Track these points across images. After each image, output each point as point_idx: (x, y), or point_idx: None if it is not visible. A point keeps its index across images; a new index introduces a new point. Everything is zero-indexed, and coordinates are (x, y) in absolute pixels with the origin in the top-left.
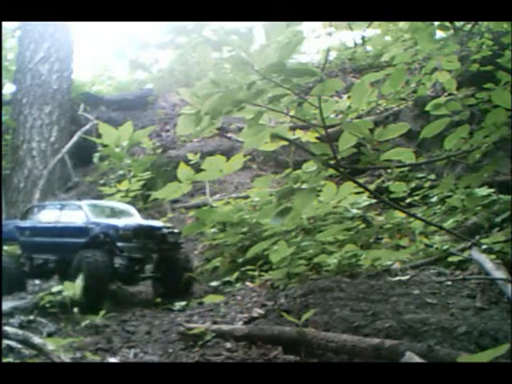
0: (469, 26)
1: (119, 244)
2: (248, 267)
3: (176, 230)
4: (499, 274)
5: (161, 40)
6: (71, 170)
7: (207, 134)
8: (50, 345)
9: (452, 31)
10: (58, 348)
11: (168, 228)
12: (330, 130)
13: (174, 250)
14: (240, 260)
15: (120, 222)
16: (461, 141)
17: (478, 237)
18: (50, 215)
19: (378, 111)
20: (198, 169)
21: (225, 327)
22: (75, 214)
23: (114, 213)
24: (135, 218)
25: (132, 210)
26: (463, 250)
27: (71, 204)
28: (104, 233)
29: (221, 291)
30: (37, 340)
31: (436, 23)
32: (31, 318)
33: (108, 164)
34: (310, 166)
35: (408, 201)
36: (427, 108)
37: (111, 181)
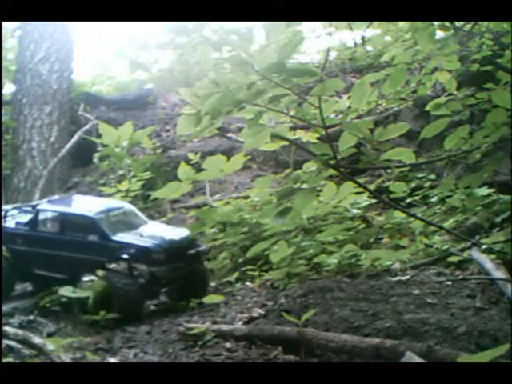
0: (469, 26)
1: (151, 269)
2: (248, 267)
3: (204, 247)
4: (499, 274)
5: (161, 40)
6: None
7: (207, 133)
8: (50, 345)
9: (452, 31)
10: (57, 348)
11: (196, 243)
12: (329, 130)
13: (200, 263)
14: (240, 260)
15: (147, 241)
16: (461, 141)
17: (477, 237)
18: (51, 222)
19: (378, 111)
20: (198, 169)
21: (225, 327)
22: (84, 223)
23: (124, 217)
24: (152, 227)
25: (133, 208)
26: (463, 250)
27: (78, 215)
28: (131, 255)
29: (221, 291)
30: (37, 340)
31: (436, 23)
32: (31, 318)
33: (108, 164)
34: (310, 166)
35: (408, 201)
36: (427, 108)
37: (111, 181)
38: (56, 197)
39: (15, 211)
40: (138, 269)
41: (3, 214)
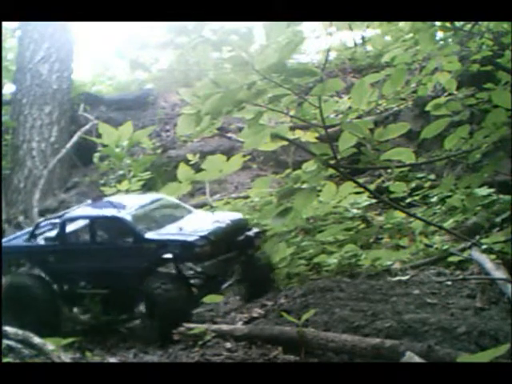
0: (469, 25)
1: (196, 265)
2: None
3: (255, 230)
4: (499, 273)
5: (161, 40)
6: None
7: (207, 134)
8: (50, 345)
9: (452, 31)
10: (57, 348)
11: (247, 227)
12: (329, 130)
13: (255, 248)
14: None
15: (189, 234)
16: (461, 141)
17: (477, 237)
18: (80, 231)
19: (378, 111)
20: (197, 169)
21: (225, 327)
22: (114, 226)
23: (163, 211)
24: (196, 217)
25: (173, 199)
26: (463, 250)
27: (105, 217)
28: (173, 254)
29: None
30: (36, 340)
31: (437, 24)
32: None
33: (108, 164)
34: (310, 166)
35: (408, 201)
36: (427, 108)
37: (111, 181)
38: (88, 201)
39: (45, 225)
40: (183, 268)
41: (32, 229)
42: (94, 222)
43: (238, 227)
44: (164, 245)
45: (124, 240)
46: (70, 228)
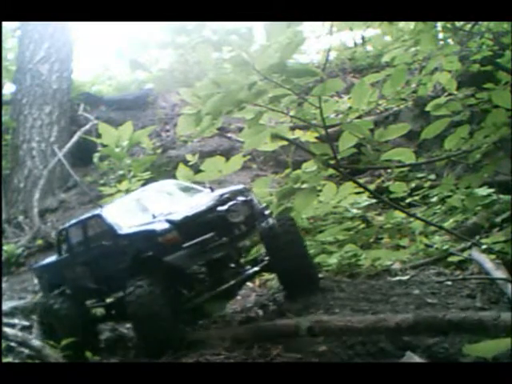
0: (469, 26)
1: (167, 258)
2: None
3: (261, 207)
4: (499, 273)
5: (161, 40)
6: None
7: (207, 134)
8: (48, 348)
9: (452, 31)
10: (56, 352)
11: (231, 195)
12: (329, 130)
13: (262, 225)
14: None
15: (157, 222)
16: (461, 141)
17: (478, 237)
18: (77, 238)
19: (378, 111)
20: (197, 169)
21: (225, 327)
22: (96, 225)
23: (160, 196)
24: (195, 196)
25: (179, 182)
26: (463, 250)
27: (89, 217)
28: (135, 248)
29: None
30: (35, 342)
31: (439, 26)
32: (28, 323)
33: (108, 164)
34: (310, 166)
35: (408, 201)
36: (427, 108)
37: (111, 181)
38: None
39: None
40: (161, 264)
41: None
42: (85, 225)
43: (229, 200)
44: (132, 239)
45: (104, 239)
46: (70, 236)
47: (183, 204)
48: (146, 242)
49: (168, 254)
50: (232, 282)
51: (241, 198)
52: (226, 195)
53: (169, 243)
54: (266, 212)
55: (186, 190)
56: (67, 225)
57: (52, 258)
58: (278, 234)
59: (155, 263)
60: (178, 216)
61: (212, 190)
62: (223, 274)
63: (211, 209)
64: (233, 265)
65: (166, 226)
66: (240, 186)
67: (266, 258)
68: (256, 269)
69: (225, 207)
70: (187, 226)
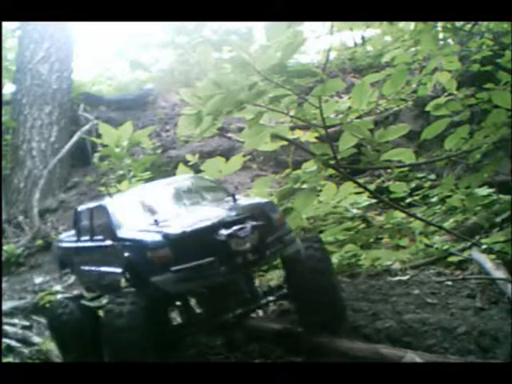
0: (469, 26)
1: (153, 279)
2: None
3: (285, 231)
4: (499, 273)
5: (161, 40)
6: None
7: (207, 134)
8: (49, 344)
9: (452, 31)
10: (57, 348)
11: (238, 218)
12: (330, 130)
13: (285, 250)
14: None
15: (152, 232)
16: (461, 141)
17: (477, 237)
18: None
19: (378, 111)
20: (197, 169)
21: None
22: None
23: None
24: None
25: (200, 180)
26: (463, 250)
27: (96, 207)
28: (126, 257)
29: None
30: (36, 339)
31: (439, 26)
32: (27, 323)
33: (108, 164)
34: (310, 166)
35: (408, 201)
36: (427, 108)
37: (111, 181)
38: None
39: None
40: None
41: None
42: (92, 213)
43: (243, 219)
44: (126, 246)
45: (105, 236)
46: (80, 222)
47: (190, 211)
48: (136, 255)
49: (156, 273)
50: (236, 313)
51: (251, 223)
52: (235, 216)
53: (159, 261)
54: (288, 237)
55: (208, 189)
56: (79, 208)
57: (70, 233)
58: (303, 260)
59: (142, 281)
60: (174, 229)
61: (234, 198)
62: (226, 302)
63: (213, 229)
64: (240, 293)
65: (159, 239)
66: (264, 201)
67: (285, 285)
68: (271, 298)
69: (228, 231)
70: (183, 244)
